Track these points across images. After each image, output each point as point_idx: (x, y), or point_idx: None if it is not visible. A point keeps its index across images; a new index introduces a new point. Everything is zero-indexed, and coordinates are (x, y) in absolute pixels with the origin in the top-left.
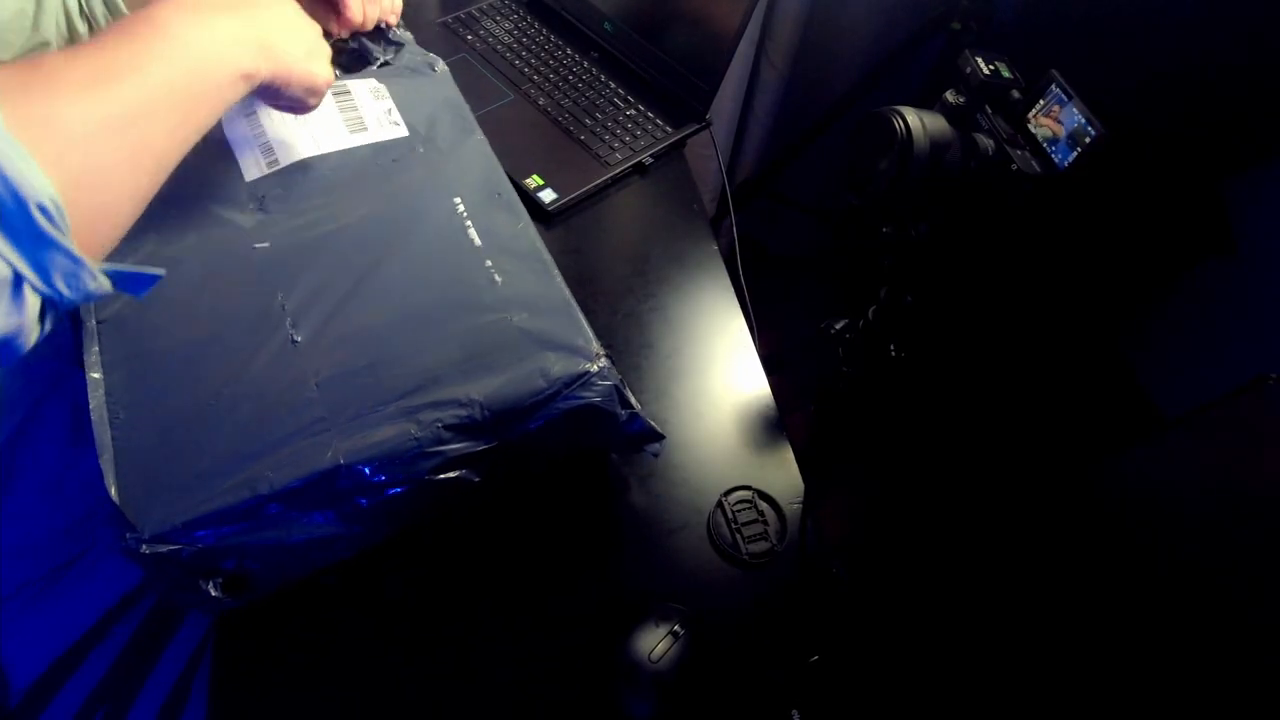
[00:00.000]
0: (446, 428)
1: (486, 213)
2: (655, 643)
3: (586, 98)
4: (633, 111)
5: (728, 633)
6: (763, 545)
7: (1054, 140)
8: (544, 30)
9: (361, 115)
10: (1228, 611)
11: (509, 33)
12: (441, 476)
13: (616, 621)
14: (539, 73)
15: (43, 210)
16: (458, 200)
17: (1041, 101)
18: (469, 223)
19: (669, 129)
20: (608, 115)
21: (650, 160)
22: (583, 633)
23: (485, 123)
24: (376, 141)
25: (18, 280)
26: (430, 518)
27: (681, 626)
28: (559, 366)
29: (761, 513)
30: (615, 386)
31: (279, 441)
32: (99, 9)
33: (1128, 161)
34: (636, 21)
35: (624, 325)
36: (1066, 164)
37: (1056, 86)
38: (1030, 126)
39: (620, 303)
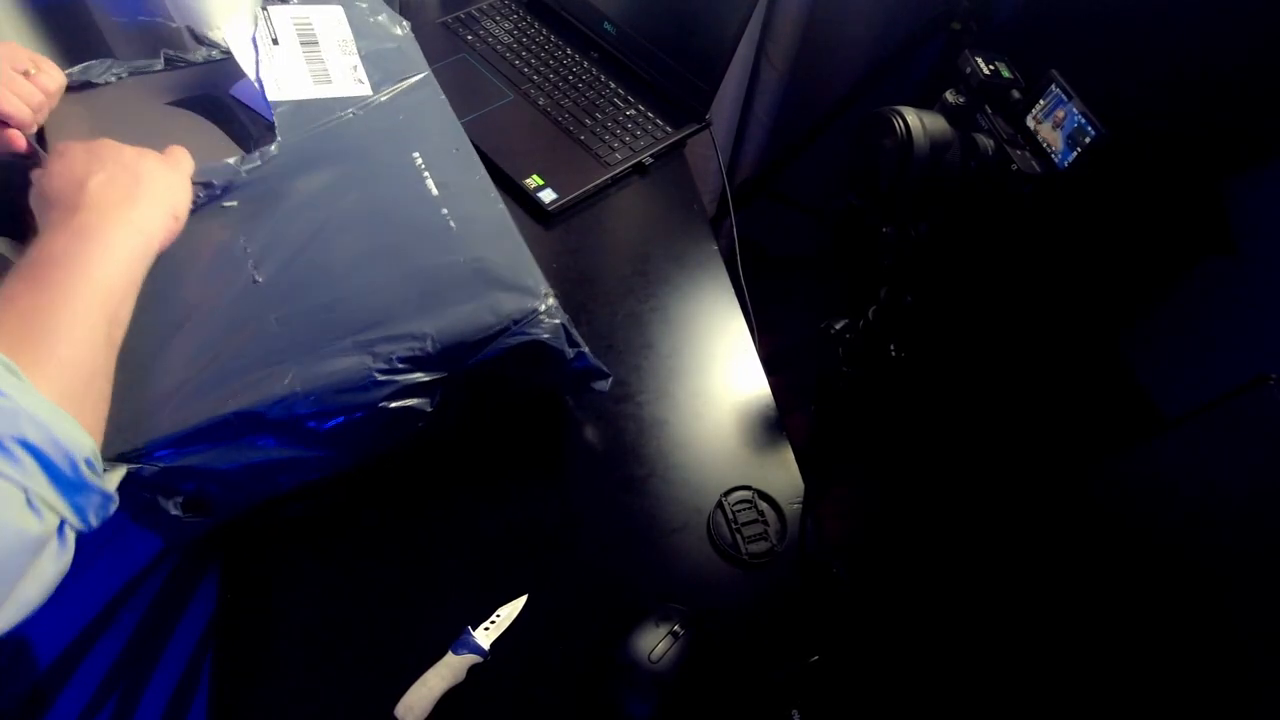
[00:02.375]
0: (400, 359)
1: (443, 166)
2: (655, 643)
3: (586, 98)
4: (633, 111)
5: (728, 633)
6: (763, 545)
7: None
8: (544, 30)
9: (327, 68)
10: (1227, 611)
11: (509, 33)
12: (395, 405)
13: (616, 621)
14: (539, 73)
15: (88, 463)
16: (416, 154)
17: (1041, 101)
18: (427, 174)
19: (669, 129)
20: (608, 115)
21: (650, 160)
22: (583, 633)
23: (485, 122)
24: (340, 96)
25: (61, 526)
26: (388, 446)
27: (681, 626)
28: (509, 304)
29: (761, 513)
30: (562, 325)
31: (240, 370)
32: None
33: (1128, 161)
34: (636, 21)
35: (624, 325)
36: (1066, 164)
37: (1056, 86)
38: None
39: (620, 303)
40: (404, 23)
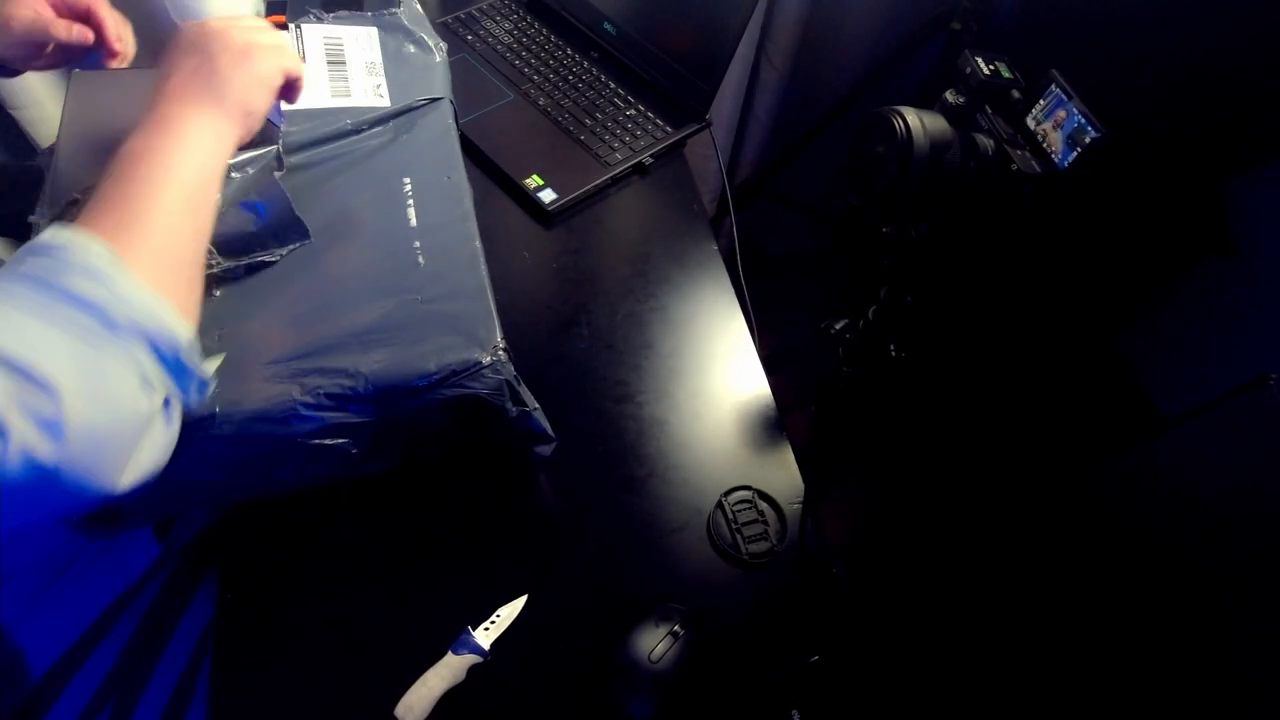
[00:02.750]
0: (328, 395)
1: (431, 196)
2: (655, 643)
3: (586, 98)
4: (633, 111)
5: (728, 633)
6: (763, 545)
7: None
8: (544, 30)
9: (349, 85)
10: (1227, 611)
11: (509, 33)
12: (316, 442)
13: (616, 621)
14: (539, 73)
15: (188, 346)
16: (406, 180)
17: (1041, 101)
18: (411, 202)
19: (669, 129)
20: (608, 115)
21: (650, 160)
22: (583, 633)
23: (485, 122)
24: (353, 106)
25: (167, 402)
26: (309, 484)
27: (681, 626)
28: (452, 354)
29: (761, 513)
30: (507, 382)
31: None
32: None
33: (1128, 161)
34: (636, 22)
35: (624, 325)
36: (1066, 164)
37: (1056, 86)
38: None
39: (620, 303)
40: (441, 45)
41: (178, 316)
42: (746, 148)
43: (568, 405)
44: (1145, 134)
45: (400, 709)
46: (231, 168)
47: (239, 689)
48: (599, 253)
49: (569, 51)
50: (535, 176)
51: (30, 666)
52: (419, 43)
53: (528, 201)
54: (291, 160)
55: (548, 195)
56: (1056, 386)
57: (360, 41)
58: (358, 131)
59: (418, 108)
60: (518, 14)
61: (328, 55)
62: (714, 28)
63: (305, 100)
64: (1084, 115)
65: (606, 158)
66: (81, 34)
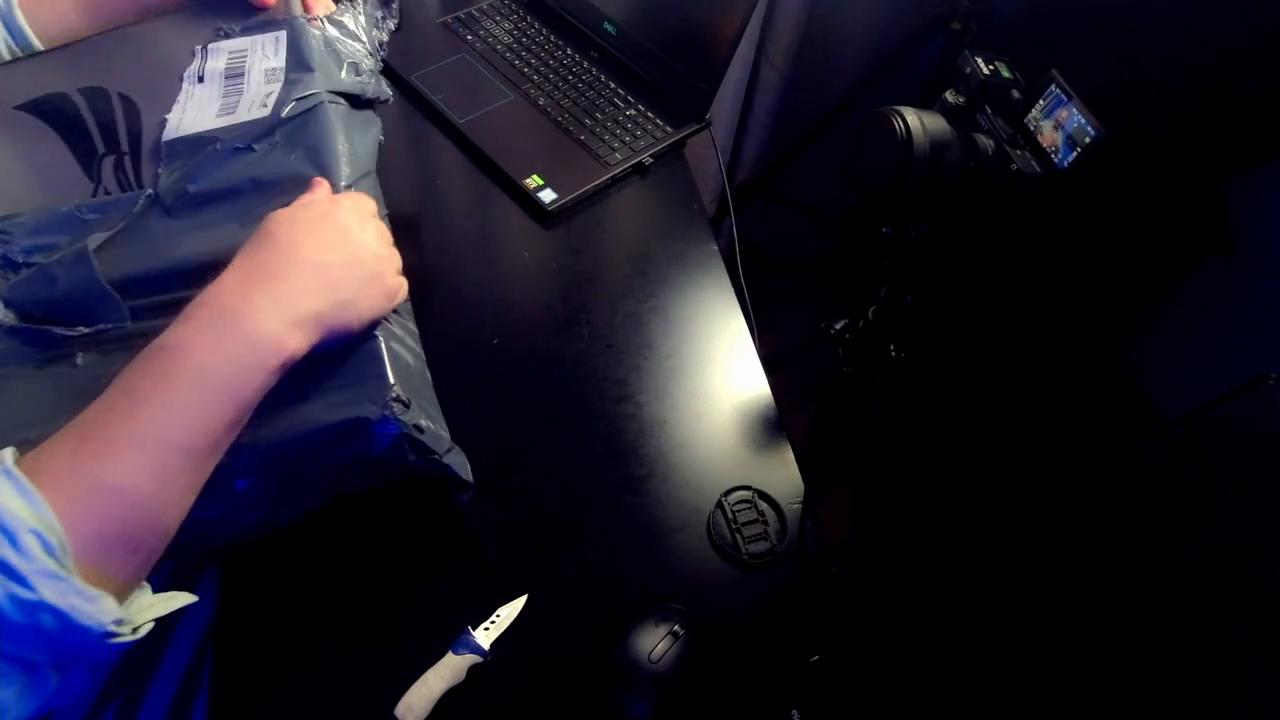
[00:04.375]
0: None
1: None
2: (655, 643)
3: (586, 98)
4: (633, 111)
5: (728, 633)
6: (763, 545)
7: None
8: (544, 30)
9: (239, 100)
10: (1228, 611)
11: (509, 33)
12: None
13: (616, 621)
14: (539, 73)
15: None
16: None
17: (1041, 101)
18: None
19: (669, 129)
20: (608, 115)
21: (650, 160)
22: (583, 633)
23: (485, 122)
24: (234, 124)
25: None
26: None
27: (681, 626)
28: (338, 411)
29: (761, 513)
30: (405, 436)
31: None
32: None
33: (1128, 161)
34: (636, 21)
35: (624, 325)
36: (1066, 164)
37: (1056, 86)
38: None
39: (620, 303)
40: (378, 55)
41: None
42: (746, 148)
43: (568, 405)
44: (1145, 134)
45: (400, 709)
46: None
47: (239, 689)
48: (599, 253)
49: (569, 51)
50: (535, 176)
51: None
52: (346, 44)
53: (528, 201)
54: (169, 194)
55: (548, 195)
56: (1056, 387)
57: (267, 47)
58: (246, 149)
59: (305, 112)
60: (518, 14)
61: (228, 69)
62: (714, 28)
63: (187, 125)
64: (1084, 115)
65: (606, 158)
66: None
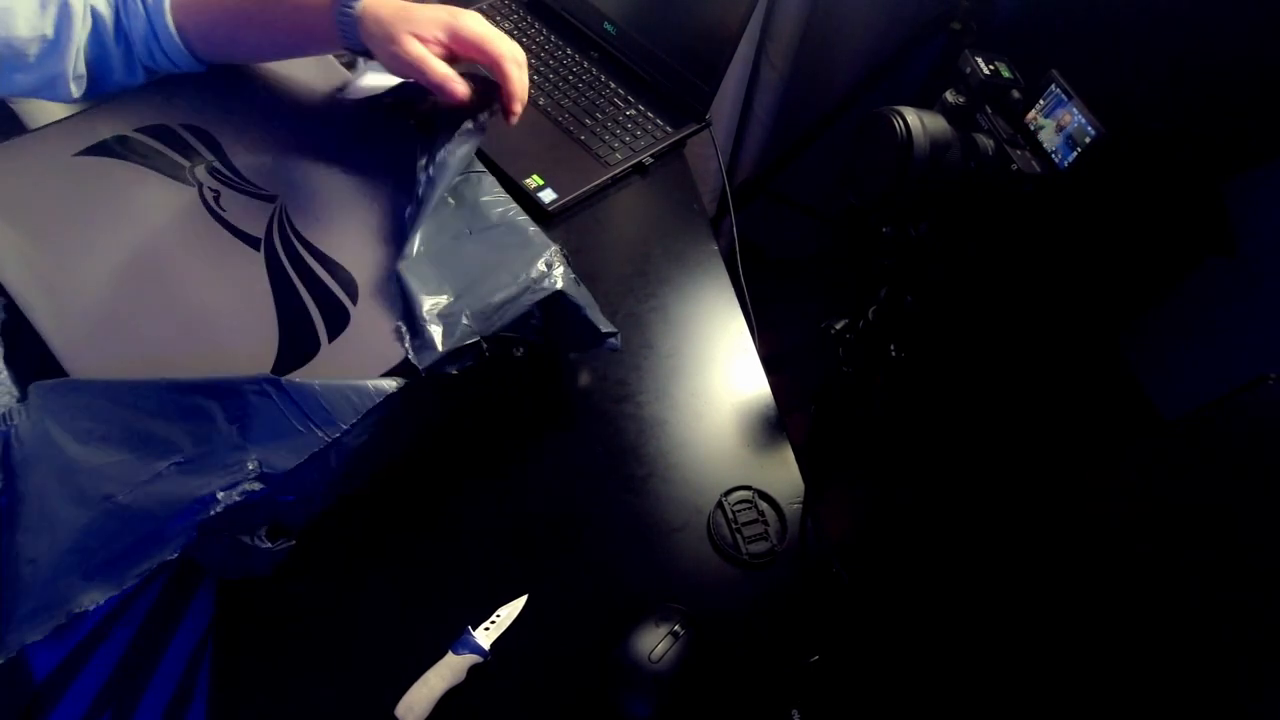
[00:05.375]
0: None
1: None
2: (655, 643)
3: (586, 98)
4: (633, 111)
5: (728, 633)
6: (763, 545)
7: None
8: (544, 30)
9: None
10: (1228, 611)
11: (509, 33)
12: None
13: (616, 621)
14: (539, 73)
15: None
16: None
17: (1041, 101)
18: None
19: (669, 129)
20: (608, 115)
21: (650, 160)
22: (583, 633)
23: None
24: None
25: None
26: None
27: (681, 626)
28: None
29: (761, 513)
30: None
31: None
32: None
33: (1128, 161)
34: (636, 22)
35: (624, 325)
36: (1066, 164)
37: (1056, 86)
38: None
39: (620, 303)
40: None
41: None
42: (746, 148)
43: (568, 405)
44: (1145, 134)
45: (400, 709)
46: None
47: (239, 689)
48: (599, 252)
49: (569, 51)
50: (535, 176)
51: (32, 670)
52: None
53: (528, 201)
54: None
55: (548, 195)
56: (1056, 386)
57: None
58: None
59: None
60: (518, 14)
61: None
62: (714, 28)
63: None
64: (1084, 115)
65: (606, 158)
66: (452, 93)
